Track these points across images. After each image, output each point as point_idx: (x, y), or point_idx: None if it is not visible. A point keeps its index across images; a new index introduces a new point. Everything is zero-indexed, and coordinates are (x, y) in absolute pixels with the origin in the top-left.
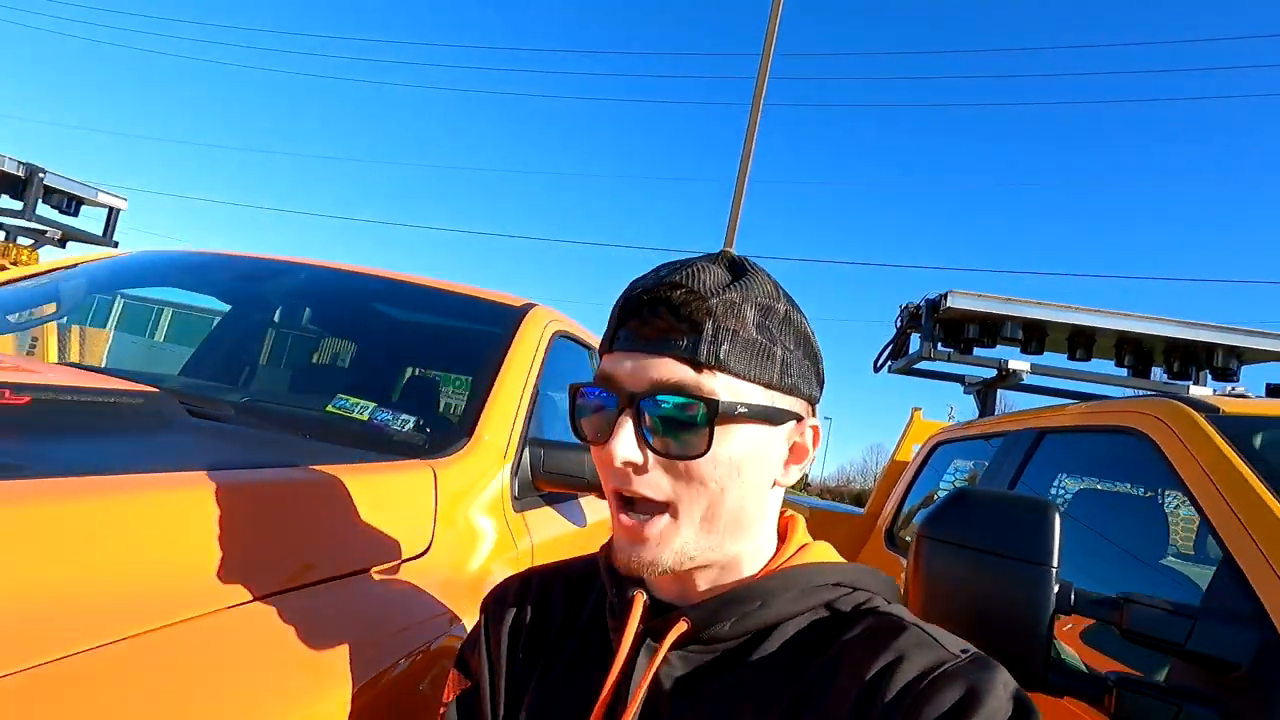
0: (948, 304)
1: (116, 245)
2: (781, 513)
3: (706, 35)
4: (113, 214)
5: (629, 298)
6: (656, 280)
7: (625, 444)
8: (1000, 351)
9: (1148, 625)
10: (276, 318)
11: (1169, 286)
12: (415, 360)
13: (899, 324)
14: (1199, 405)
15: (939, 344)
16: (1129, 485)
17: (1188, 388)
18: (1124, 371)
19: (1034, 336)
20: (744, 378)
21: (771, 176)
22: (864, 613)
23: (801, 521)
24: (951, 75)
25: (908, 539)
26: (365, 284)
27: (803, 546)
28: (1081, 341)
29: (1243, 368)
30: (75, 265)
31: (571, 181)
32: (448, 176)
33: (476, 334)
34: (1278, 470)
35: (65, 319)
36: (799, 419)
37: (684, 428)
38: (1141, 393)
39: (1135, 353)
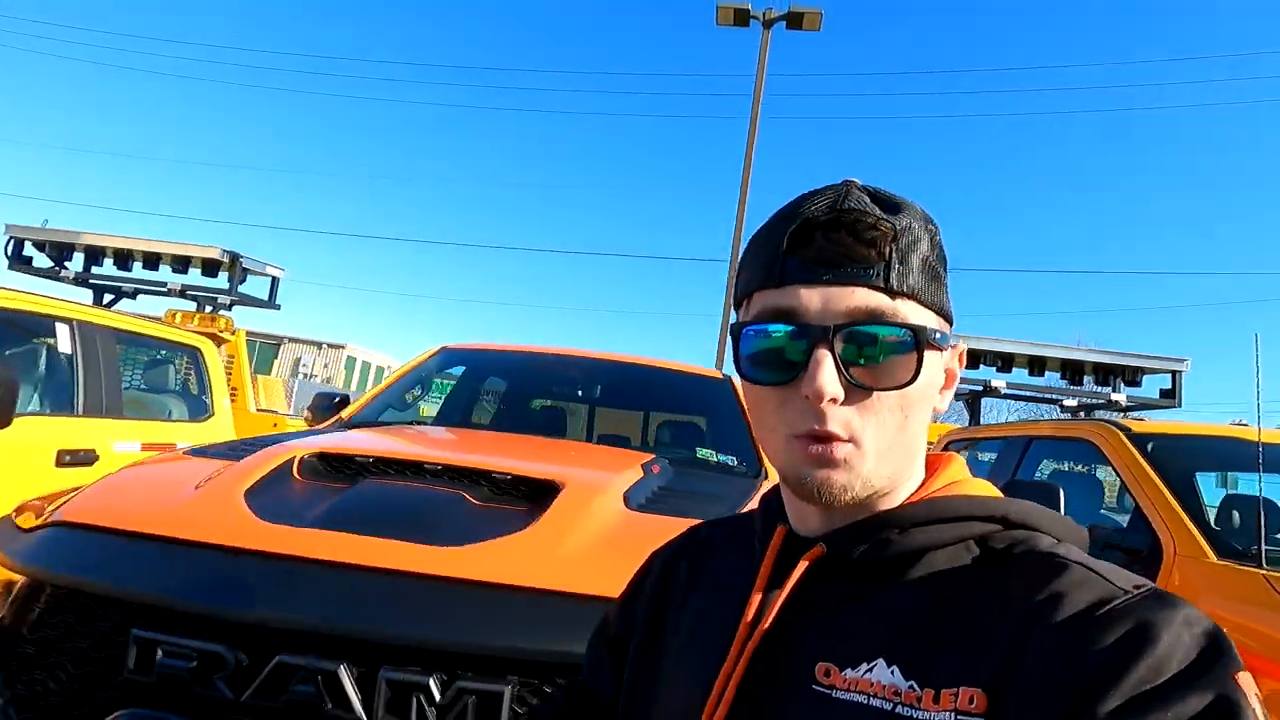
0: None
1: (279, 308)
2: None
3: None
4: (275, 282)
5: (798, 225)
6: (827, 208)
7: (828, 379)
8: (982, 372)
9: (1104, 536)
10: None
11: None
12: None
13: None
14: (1119, 426)
15: None
16: (1082, 468)
17: (1109, 394)
18: (1064, 383)
19: (1005, 362)
20: (927, 304)
21: (772, 180)
22: (1021, 552)
23: (960, 460)
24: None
25: None
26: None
27: (955, 481)
28: (1037, 364)
29: (1145, 377)
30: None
31: (562, 193)
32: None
33: (706, 393)
34: (1158, 459)
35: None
36: (953, 344)
37: (889, 359)
38: (1079, 398)
39: (1074, 370)
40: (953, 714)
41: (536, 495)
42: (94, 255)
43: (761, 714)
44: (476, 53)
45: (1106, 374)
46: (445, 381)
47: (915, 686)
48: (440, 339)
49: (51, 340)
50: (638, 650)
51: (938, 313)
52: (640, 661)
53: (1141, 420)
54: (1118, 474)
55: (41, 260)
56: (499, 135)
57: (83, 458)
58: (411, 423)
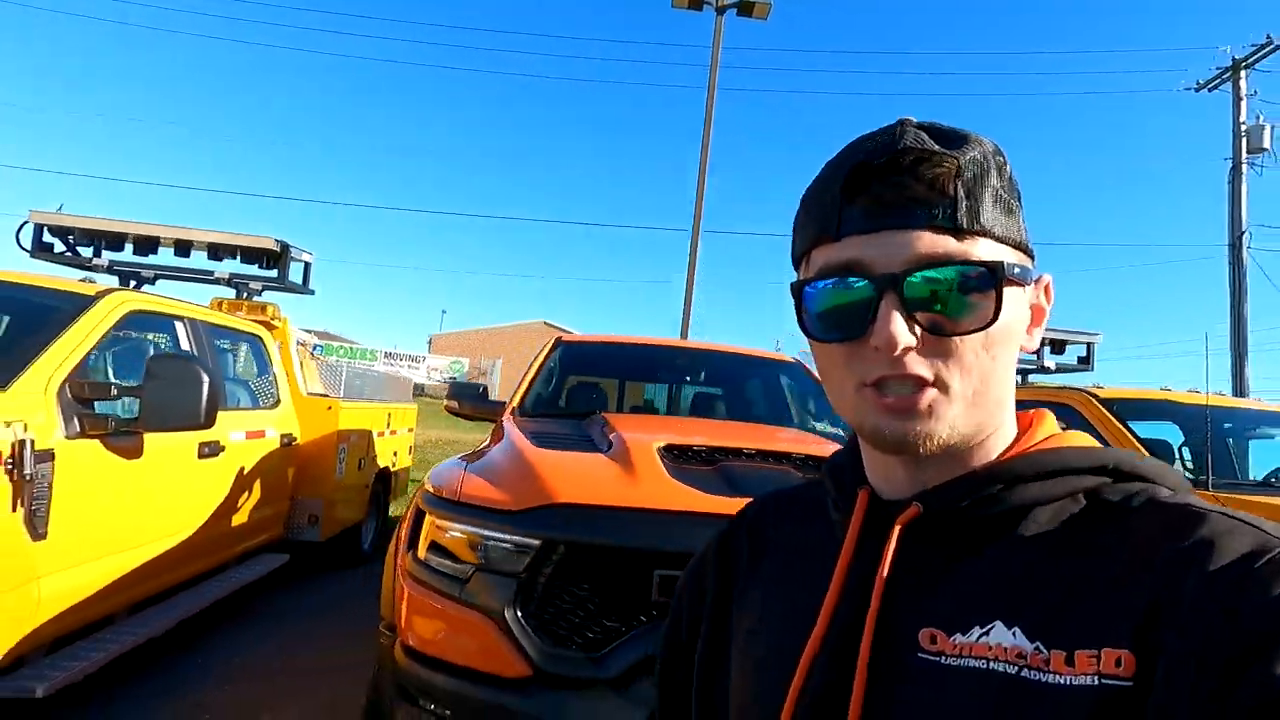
0: None
1: (314, 292)
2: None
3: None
4: (307, 267)
5: (853, 172)
6: (881, 150)
7: (898, 329)
8: None
9: None
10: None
11: None
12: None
13: None
14: (1089, 392)
15: None
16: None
17: (1041, 361)
18: (1029, 357)
19: None
20: (1001, 239)
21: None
22: (1141, 503)
23: (1050, 414)
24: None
25: None
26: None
27: (1054, 435)
28: None
29: (1068, 347)
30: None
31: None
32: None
33: (784, 372)
34: (1116, 410)
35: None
36: (1037, 278)
37: (965, 300)
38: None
39: None
40: (1095, 678)
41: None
42: (119, 242)
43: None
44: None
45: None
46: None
47: (1041, 648)
48: (384, 310)
49: (159, 337)
50: (707, 643)
51: (1015, 246)
52: (710, 653)
53: (1099, 387)
54: (1094, 428)
55: (58, 246)
56: (450, 96)
57: (215, 449)
58: (588, 412)
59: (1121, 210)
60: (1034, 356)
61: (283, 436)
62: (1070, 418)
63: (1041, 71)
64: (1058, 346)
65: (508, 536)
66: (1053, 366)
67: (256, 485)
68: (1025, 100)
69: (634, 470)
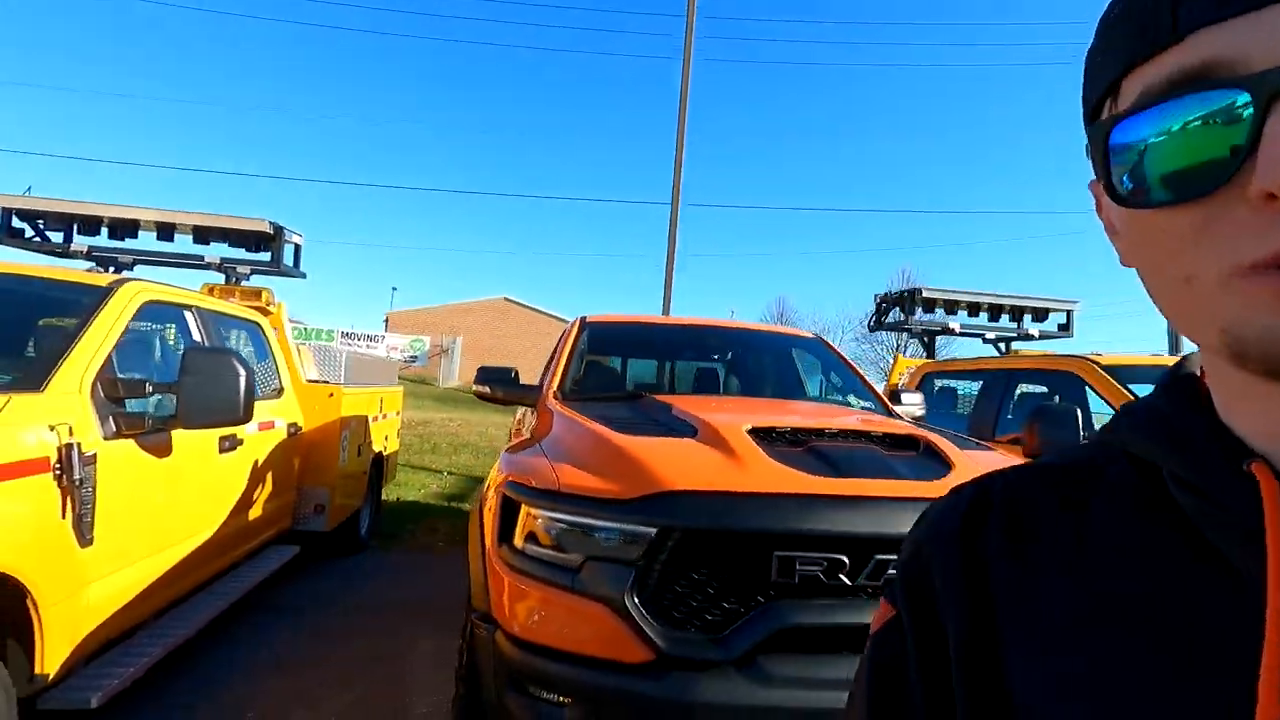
0: (922, 294)
1: (305, 275)
2: None
3: None
4: (298, 249)
5: None
6: None
7: None
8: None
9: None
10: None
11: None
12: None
13: (879, 302)
14: (1091, 360)
15: (914, 314)
16: (1060, 397)
17: (1028, 329)
18: (1013, 326)
19: (953, 307)
20: None
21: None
22: None
23: None
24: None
25: None
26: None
27: None
28: (977, 308)
29: (1050, 314)
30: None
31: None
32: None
33: (803, 347)
34: (1117, 376)
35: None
36: None
37: None
38: (1003, 333)
39: (993, 310)
40: None
41: (908, 444)
42: (94, 226)
43: None
44: None
45: (1020, 313)
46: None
47: None
48: (329, 288)
49: (164, 327)
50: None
51: None
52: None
53: (1099, 355)
54: (1097, 393)
55: (28, 232)
56: (416, 68)
57: (234, 442)
58: (634, 395)
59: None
60: (1015, 325)
61: (289, 426)
62: (1074, 384)
63: None
64: (1040, 314)
65: (622, 526)
66: (1036, 334)
67: (269, 477)
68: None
69: (734, 454)
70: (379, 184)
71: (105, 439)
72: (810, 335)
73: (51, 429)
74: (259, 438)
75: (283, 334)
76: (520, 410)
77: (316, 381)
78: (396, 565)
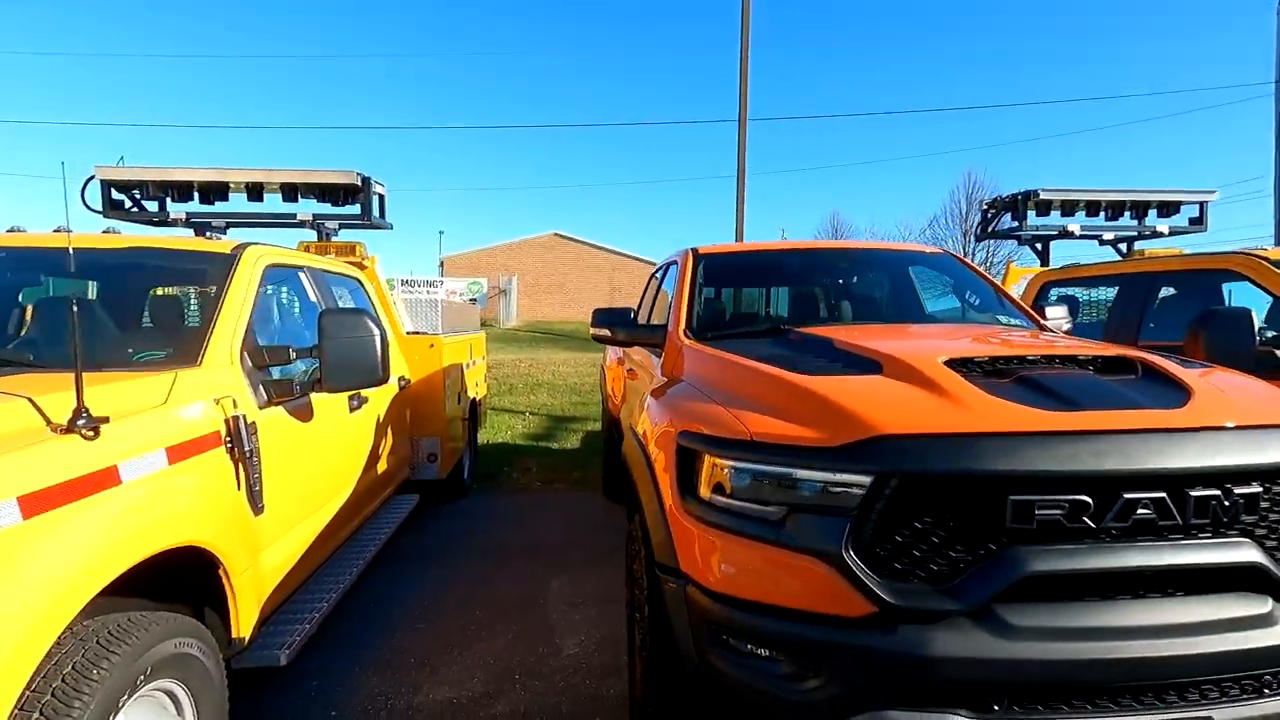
0: (1039, 196)
1: (391, 226)
2: None
3: None
4: (382, 200)
5: None
6: None
7: None
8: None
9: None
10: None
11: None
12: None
13: (986, 209)
14: (1257, 255)
15: (1027, 218)
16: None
17: (1156, 226)
18: (1134, 224)
19: (1071, 208)
20: None
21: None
22: None
23: None
24: None
25: None
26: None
27: None
28: (1097, 207)
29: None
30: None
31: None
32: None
33: (935, 264)
34: None
35: None
36: None
37: None
38: (1123, 232)
39: (1114, 208)
40: None
41: (1123, 367)
42: (186, 192)
43: None
44: None
45: (1144, 208)
46: None
47: None
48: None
49: (279, 289)
50: None
51: None
52: None
53: (1262, 249)
54: (1266, 290)
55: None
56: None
57: (360, 401)
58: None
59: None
60: (1136, 223)
61: (399, 379)
62: (1220, 288)
63: None
64: (1168, 208)
65: (833, 476)
66: (1165, 230)
67: (390, 431)
68: None
69: (943, 390)
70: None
71: (260, 408)
72: (938, 250)
73: (216, 402)
74: (378, 394)
75: (379, 288)
76: (615, 351)
77: (415, 333)
78: (502, 508)
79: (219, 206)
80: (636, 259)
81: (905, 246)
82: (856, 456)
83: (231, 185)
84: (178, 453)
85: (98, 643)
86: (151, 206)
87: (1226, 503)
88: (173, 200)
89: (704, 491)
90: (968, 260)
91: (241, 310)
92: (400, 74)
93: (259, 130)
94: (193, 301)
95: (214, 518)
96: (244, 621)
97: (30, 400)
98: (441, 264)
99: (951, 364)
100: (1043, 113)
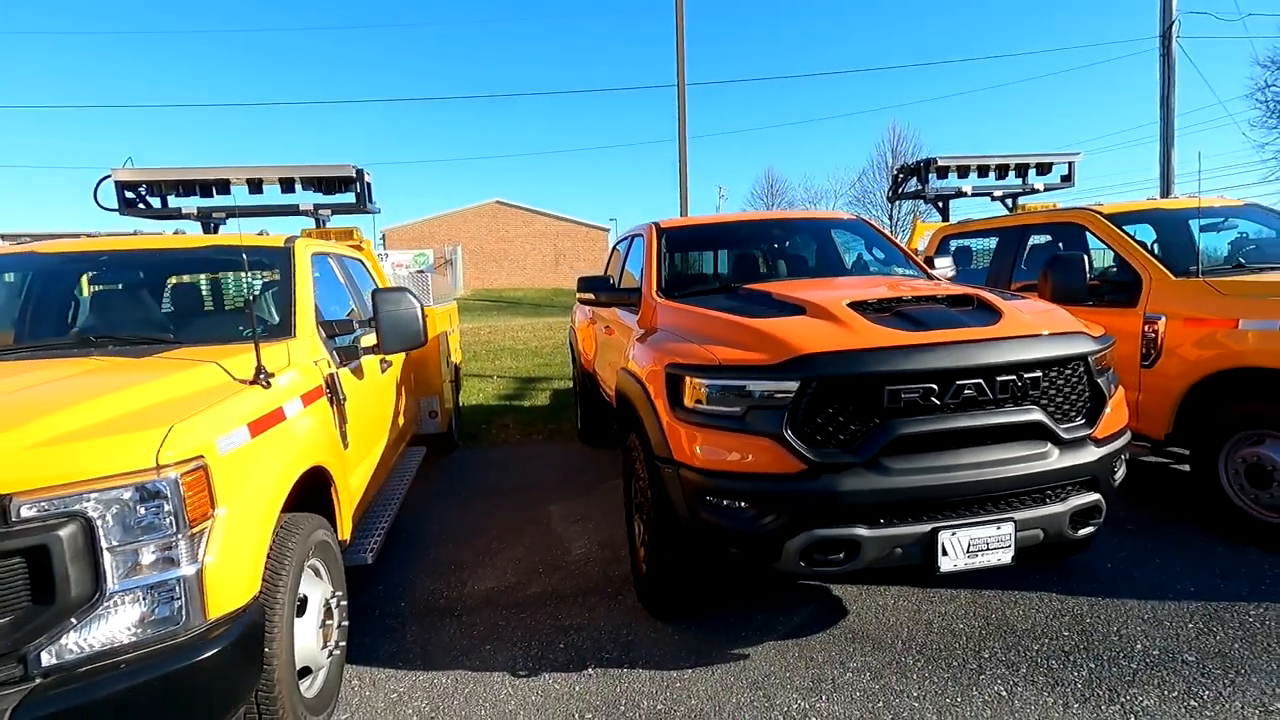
0: (937, 163)
1: (380, 210)
2: None
3: None
4: (369, 188)
5: None
6: None
7: None
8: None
9: (1109, 278)
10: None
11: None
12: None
13: (897, 174)
14: (1096, 210)
15: (929, 181)
16: (1063, 245)
17: (1034, 184)
18: (1018, 182)
19: (965, 171)
20: None
21: None
22: None
23: None
24: None
25: None
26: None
27: None
28: (986, 169)
29: (1053, 166)
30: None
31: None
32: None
33: (846, 228)
34: (1117, 222)
35: None
36: None
37: None
38: (1010, 189)
39: (1000, 170)
40: None
41: (964, 301)
42: (190, 188)
43: None
44: None
45: (1025, 169)
46: None
47: None
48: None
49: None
50: None
51: None
52: None
53: (1099, 204)
54: (1102, 241)
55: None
56: None
57: (386, 363)
58: (727, 286)
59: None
60: (1020, 181)
61: None
62: (1080, 234)
63: None
64: (1043, 168)
65: (772, 383)
66: (1041, 187)
67: (403, 390)
68: None
69: (842, 323)
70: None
71: (337, 368)
72: (853, 217)
73: (315, 363)
74: (396, 358)
75: (376, 265)
76: (584, 311)
77: None
78: (490, 458)
79: (220, 200)
80: (581, 224)
81: (827, 215)
82: (788, 369)
83: (233, 180)
84: (305, 399)
85: (287, 529)
86: (155, 202)
87: (1019, 384)
88: (176, 196)
89: (688, 403)
90: (875, 224)
91: (308, 290)
92: (332, 46)
93: (181, 109)
94: (243, 285)
95: (327, 447)
96: (345, 526)
97: (217, 364)
98: (383, 237)
99: (852, 305)
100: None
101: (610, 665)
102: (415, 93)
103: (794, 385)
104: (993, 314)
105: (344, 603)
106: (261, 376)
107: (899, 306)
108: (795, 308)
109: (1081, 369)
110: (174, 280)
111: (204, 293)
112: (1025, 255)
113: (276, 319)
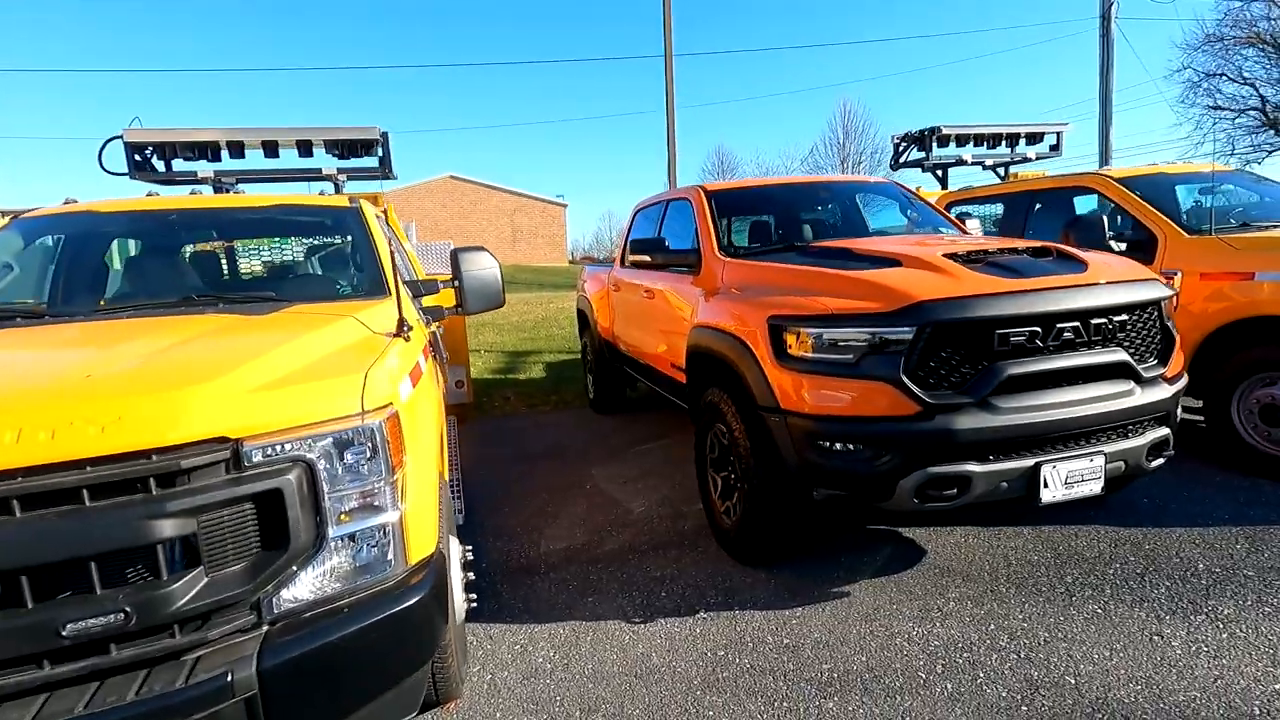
0: (941, 131)
1: (396, 177)
2: None
3: None
4: (390, 152)
5: None
6: None
7: None
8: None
9: (1127, 239)
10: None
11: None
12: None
13: (898, 143)
14: (1109, 175)
15: (933, 150)
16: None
17: (1026, 153)
18: (1007, 151)
19: (963, 140)
20: None
21: None
22: None
23: None
24: None
25: None
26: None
27: None
28: (982, 138)
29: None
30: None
31: None
32: None
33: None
34: (1132, 186)
35: None
36: None
37: None
38: (1001, 159)
39: (993, 139)
40: None
41: (1044, 253)
42: (204, 151)
43: None
44: None
45: (1016, 139)
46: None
47: None
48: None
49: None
50: None
51: None
52: None
53: (1109, 169)
54: (1113, 203)
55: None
56: None
57: (404, 327)
58: (785, 246)
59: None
60: (1008, 151)
61: None
62: (1090, 194)
63: None
64: (1033, 138)
65: (889, 329)
66: (1033, 156)
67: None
68: None
69: (947, 273)
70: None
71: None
72: (886, 180)
73: (417, 321)
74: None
75: (400, 233)
76: (598, 281)
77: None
78: (505, 428)
79: (234, 164)
80: (538, 199)
81: (863, 179)
82: (905, 316)
83: (247, 143)
84: (424, 354)
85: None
86: (160, 166)
87: (1110, 327)
88: (187, 160)
89: (795, 352)
90: (909, 189)
91: (387, 249)
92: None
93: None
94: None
95: (439, 395)
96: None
97: (355, 318)
98: None
99: (947, 256)
100: (902, 49)
101: (720, 609)
102: (354, 60)
103: (910, 331)
104: (1078, 263)
105: (470, 556)
106: (405, 329)
107: (989, 257)
108: (889, 261)
109: (1156, 313)
110: (252, 243)
111: (291, 255)
112: (1033, 218)
113: (355, 282)
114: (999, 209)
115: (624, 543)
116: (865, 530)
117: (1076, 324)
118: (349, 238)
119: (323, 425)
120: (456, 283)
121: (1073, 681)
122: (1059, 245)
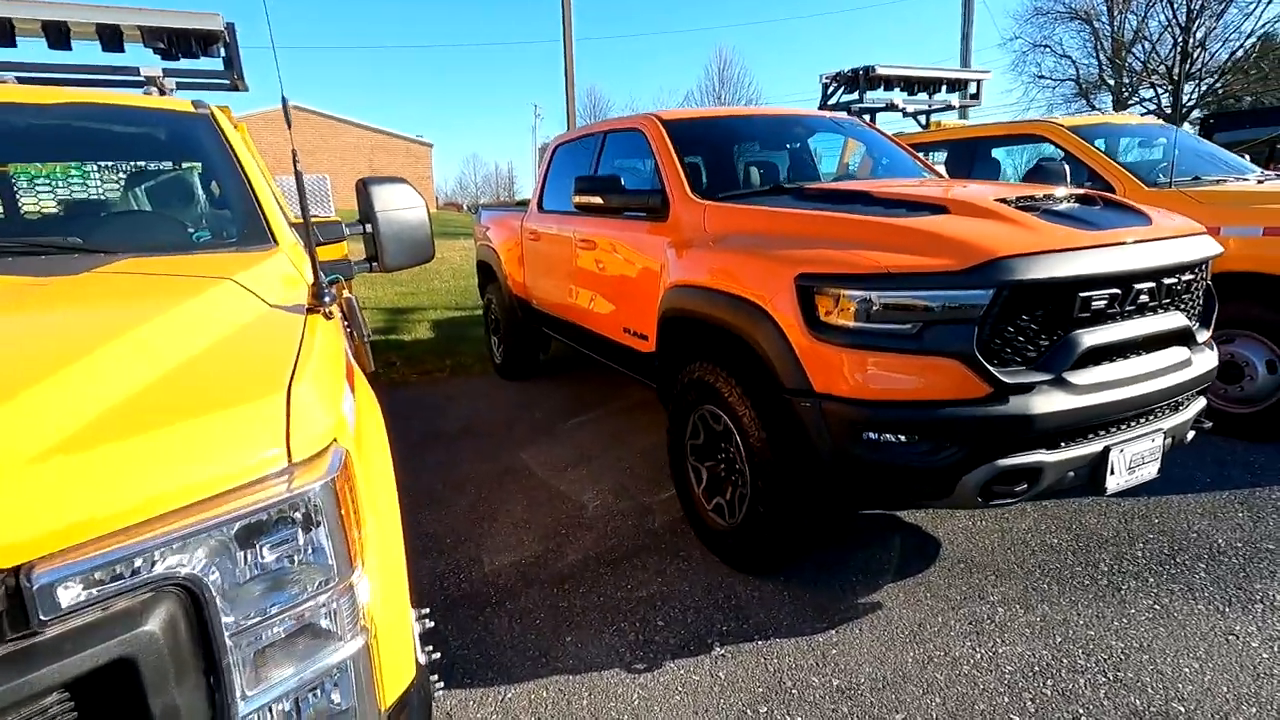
0: (875, 72)
1: (248, 89)
2: None
3: None
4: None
5: None
6: None
7: None
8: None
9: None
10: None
11: None
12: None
13: (827, 83)
14: (1060, 123)
15: (865, 93)
16: (1027, 159)
17: (952, 100)
18: (906, 95)
19: (895, 84)
20: None
21: None
22: None
23: None
24: None
25: None
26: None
27: None
28: (912, 83)
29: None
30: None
31: None
32: None
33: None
34: (1087, 136)
35: None
36: None
37: None
38: (925, 105)
39: (919, 85)
40: None
41: (1090, 201)
42: None
43: None
44: None
45: (939, 85)
46: None
47: None
48: None
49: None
50: None
51: None
52: None
53: (1058, 117)
54: (1065, 150)
55: None
56: None
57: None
58: (779, 188)
59: None
60: (925, 97)
61: None
62: (1040, 142)
63: None
64: (955, 85)
65: (962, 292)
66: (956, 104)
67: None
68: None
69: (1016, 221)
70: None
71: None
72: (847, 117)
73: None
74: None
75: (259, 160)
76: (505, 228)
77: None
78: (401, 400)
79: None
80: (401, 138)
81: (829, 115)
82: (982, 275)
83: (18, 24)
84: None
85: None
86: None
87: (1177, 287)
88: None
89: (834, 321)
90: (875, 126)
91: (265, 181)
92: None
93: None
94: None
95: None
96: None
97: (232, 280)
98: None
99: (999, 201)
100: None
101: (737, 638)
102: None
103: (987, 295)
104: (1139, 215)
105: (430, 623)
106: (326, 298)
107: (1039, 204)
108: (934, 207)
109: (1206, 273)
110: (37, 168)
111: (104, 183)
112: (979, 166)
113: (213, 224)
114: (941, 156)
115: (588, 551)
116: (860, 516)
117: (1153, 284)
118: (196, 160)
119: (213, 505)
120: (368, 227)
121: (1183, 710)
122: (1098, 193)
